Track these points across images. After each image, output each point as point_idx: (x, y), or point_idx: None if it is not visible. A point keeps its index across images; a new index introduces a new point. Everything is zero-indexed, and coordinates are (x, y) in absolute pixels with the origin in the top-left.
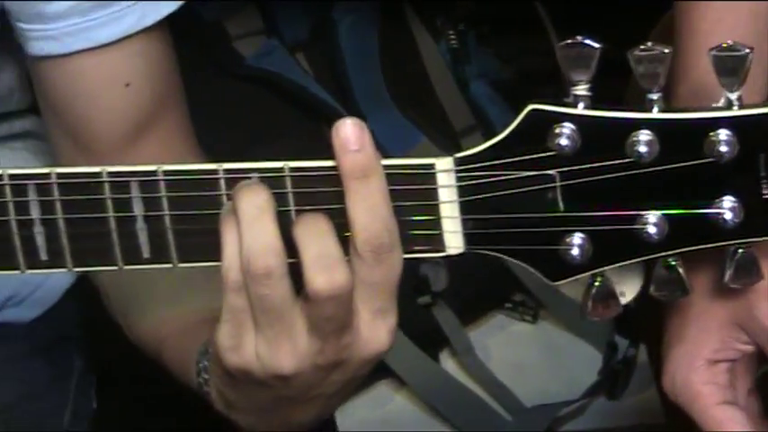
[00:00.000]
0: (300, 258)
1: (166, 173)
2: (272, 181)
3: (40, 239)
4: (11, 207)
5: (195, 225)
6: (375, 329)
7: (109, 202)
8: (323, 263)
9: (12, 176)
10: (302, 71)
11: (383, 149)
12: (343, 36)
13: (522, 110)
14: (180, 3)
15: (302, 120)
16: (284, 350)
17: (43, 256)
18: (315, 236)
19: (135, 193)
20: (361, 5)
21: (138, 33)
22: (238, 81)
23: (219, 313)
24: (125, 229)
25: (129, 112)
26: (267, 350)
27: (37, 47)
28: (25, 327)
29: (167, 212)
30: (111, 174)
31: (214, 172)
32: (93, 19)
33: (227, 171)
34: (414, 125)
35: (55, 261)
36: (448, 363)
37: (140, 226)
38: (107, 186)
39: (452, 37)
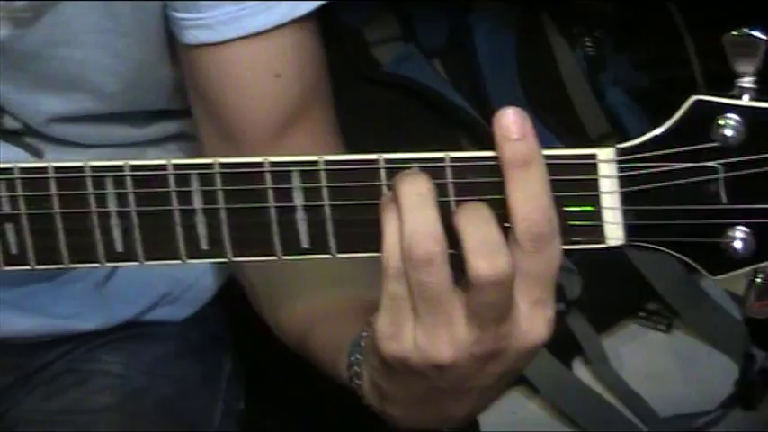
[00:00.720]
0: (462, 245)
1: (327, 162)
2: (433, 171)
3: (201, 229)
4: (174, 196)
5: (354, 215)
6: (533, 320)
7: (270, 192)
8: (486, 248)
9: (175, 166)
10: (439, 77)
11: None
12: (480, 42)
13: (683, 104)
14: None
15: (438, 126)
16: (442, 338)
17: (204, 246)
18: (477, 222)
19: (295, 183)
20: (498, 12)
21: (289, 24)
22: (375, 87)
23: (369, 301)
24: (285, 218)
25: (279, 104)
26: (426, 338)
27: (191, 35)
28: (177, 326)
29: (327, 203)
30: (272, 164)
31: (374, 162)
32: (246, 8)
33: (388, 161)
34: (549, 132)
35: (215, 250)
36: (581, 371)
37: (300, 216)
38: (268, 176)
39: (589, 44)
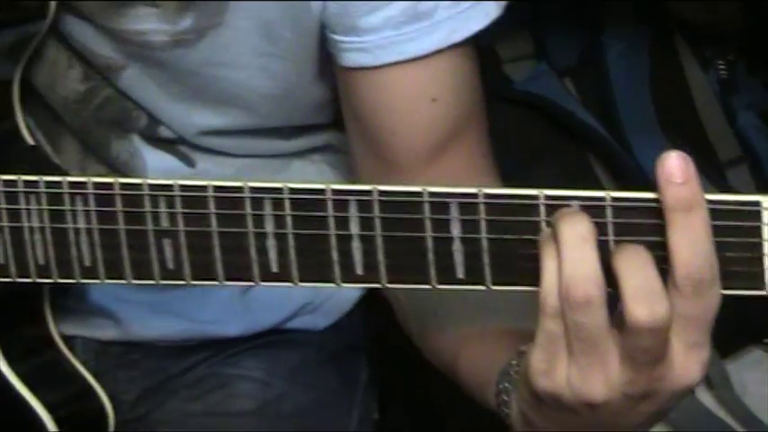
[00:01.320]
0: (621, 289)
1: (487, 195)
2: (593, 209)
3: (357, 254)
4: (331, 221)
5: (511, 249)
6: (688, 363)
7: (427, 222)
8: (644, 294)
9: (334, 191)
10: (570, 96)
11: (649, 177)
12: (613, 63)
13: None
14: (490, 20)
15: (569, 145)
16: (596, 378)
17: (359, 271)
18: (636, 267)
19: (453, 213)
20: (630, 33)
21: (446, 49)
22: (507, 104)
23: (519, 330)
24: (441, 248)
25: (434, 128)
26: (579, 377)
27: (350, 58)
28: (317, 335)
29: (485, 235)
30: (431, 194)
31: (534, 197)
32: (404, 33)
33: (548, 197)
34: None
35: (370, 276)
36: (704, 395)
37: (457, 247)
38: (427, 206)
39: (722, 67)
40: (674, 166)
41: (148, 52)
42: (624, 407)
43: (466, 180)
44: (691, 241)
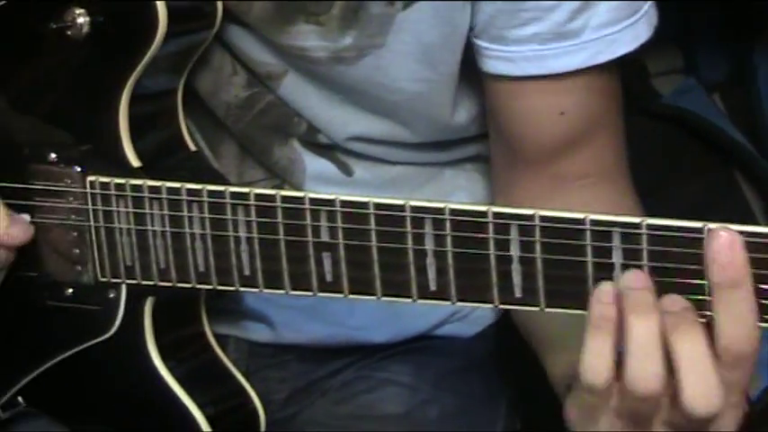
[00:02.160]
0: (677, 378)
1: (650, 226)
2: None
3: (516, 277)
4: (491, 243)
5: (671, 280)
6: (726, 421)
7: (588, 249)
8: (703, 391)
9: (495, 214)
10: (719, 112)
11: None
12: (763, 81)
13: None
14: (638, 44)
15: (714, 162)
16: None
17: (517, 294)
18: (696, 362)
19: (615, 242)
20: None
21: (587, 68)
22: (652, 118)
23: None
24: (601, 275)
25: (560, 135)
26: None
27: (492, 65)
28: (464, 342)
29: (646, 263)
30: (593, 222)
31: (698, 230)
32: (550, 48)
33: (714, 232)
34: None
35: (528, 299)
36: None
37: (617, 274)
38: (588, 234)
39: None
40: (722, 245)
41: (308, 65)
42: None
43: (592, 174)
44: (734, 317)
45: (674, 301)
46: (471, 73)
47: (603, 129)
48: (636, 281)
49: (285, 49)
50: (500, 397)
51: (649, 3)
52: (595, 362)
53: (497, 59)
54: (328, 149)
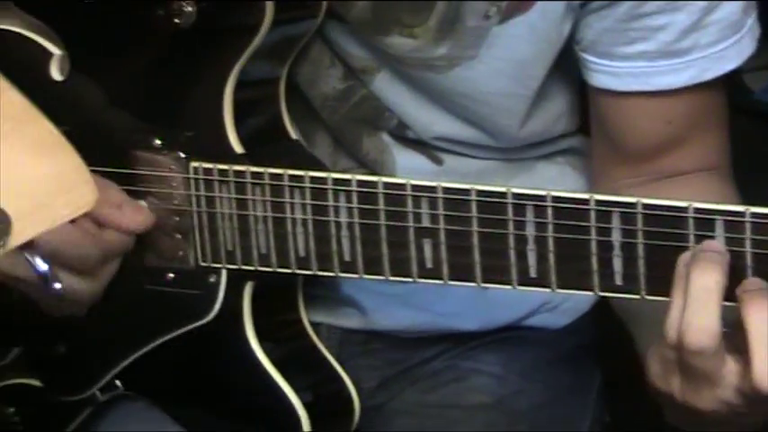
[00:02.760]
0: (750, 349)
1: (754, 215)
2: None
3: (617, 264)
4: (593, 230)
5: None
6: None
7: (691, 237)
8: None
9: (598, 202)
10: None
11: None
12: None
13: None
14: (743, 59)
15: None
16: (705, 395)
17: (618, 281)
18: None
19: (719, 231)
20: None
21: (693, 84)
22: (744, 114)
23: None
24: None
25: (663, 139)
26: (689, 389)
27: (598, 79)
28: (553, 333)
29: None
30: (697, 210)
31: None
32: (656, 66)
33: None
34: None
35: (629, 287)
36: None
37: None
38: (691, 221)
39: None
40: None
41: (401, 66)
42: (729, 416)
43: (696, 169)
44: None
45: (753, 282)
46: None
47: (709, 129)
48: (706, 244)
49: (379, 49)
50: (589, 389)
51: (753, 17)
52: (672, 315)
53: (603, 74)
54: (417, 143)
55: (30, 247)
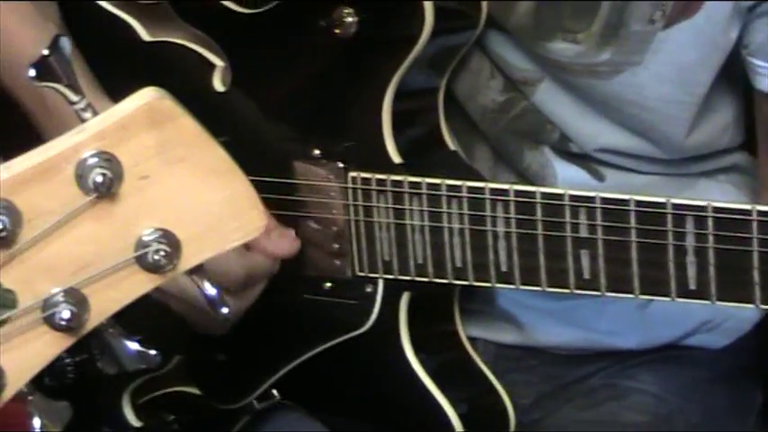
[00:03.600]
0: None
1: None
2: None
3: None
4: (755, 242)
5: None
6: None
7: None
8: None
9: (759, 213)
10: None
11: None
12: None
13: None
14: None
15: None
16: None
17: (692, 286)
18: None
19: None
20: None
21: None
22: None
23: None
24: None
25: None
26: None
27: (766, 84)
28: (712, 353)
29: None
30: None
31: None
32: None
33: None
34: None
35: (702, 292)
36: None
37: None
38: None
39: None
40: None
41: (562, 74)
42: None
43: None
44: None
45: None
46: (721, 87)
47: None
48: None
49: (541, 58)
50: (749, 411)
51: None
52: None
53: None
54: (579, 157)
55: (198, 271)
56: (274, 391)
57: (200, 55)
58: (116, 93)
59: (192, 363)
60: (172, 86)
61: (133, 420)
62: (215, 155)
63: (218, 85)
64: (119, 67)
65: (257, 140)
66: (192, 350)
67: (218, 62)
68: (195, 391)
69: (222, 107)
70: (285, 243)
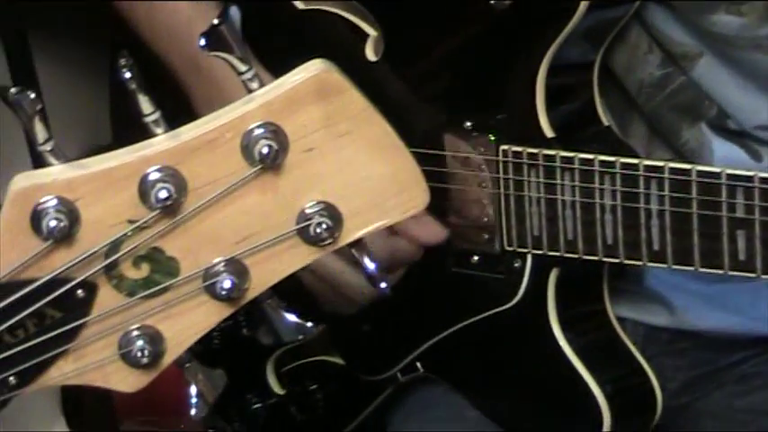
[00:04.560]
0: None
1: None
2: None
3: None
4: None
5: None
6: None
7: None
8: None
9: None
10: None
11: None
12: None
13: None
14: None
15: None
16: None
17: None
18: None
19: None
20: None
21: None
22: None
23: None
24: None
25: None
26: None
27: None
28: None
29: None
30: None
31: None
32: None
33: None
34: None
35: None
36: None
37: None
38: None
39: None
40: None
41: (726, 49)
42: None
43: None
44: None
45: None
46: None
47: None
48: None
49: (703, 31)
50: None
51: None
52: None
53: None
54: (737, 135)
55: (359, 245)
56: (418, 364)
57: (353, 24)
58: (268, 60)
59: (336, 333)
60: (323, 55)
61: (276, 388)
62: (381, 129)
63: (370, 54)
64: (271, 34)
65: (407, 111)
66: (337, 320)
67: (371, 31)
68: (338, 360)
69: (373, 77)
70: (433, 230)
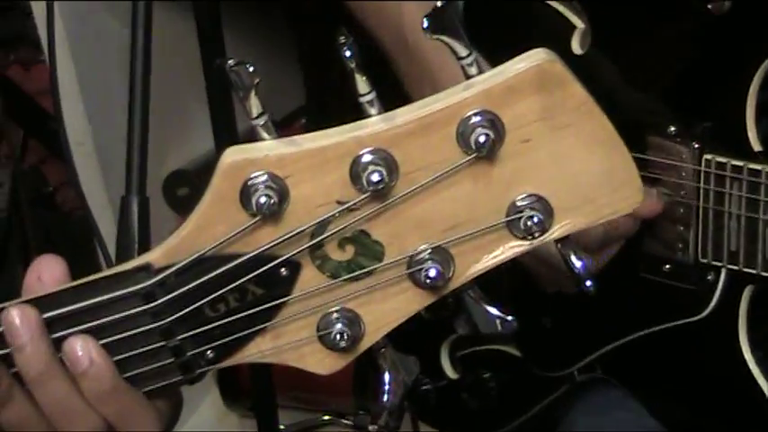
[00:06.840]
0: None
1: None
2: None
3: None
4: None
5: None
6: None
7: None
8: None
9: None
10: None
11: None
12: None
13: None
14: None
15: None
16: None
17: None
18: None
19: None
20: None
21: None
22: None
23: None
24: None
25: None
26: None
27: None
28: None
29: None
30: None
31: None
32: None
33: None
34: None
35: None
36: None
37: None
38: None
39: None
40: None
41: None
42: None
43: None
44: None
45: None
46: None
47: None
48: None
49: None
50: None
51: None
52: None
53: None
54: None
55: (566, 242)
56: (597, 366)
57: (561, 15)
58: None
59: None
60: (529, 45)
61: (450, 372)
62: (601, 125)
63: (576, 47)
64: (479, 22)
65: (611, 109)
66: (521, 312)
67: (579, 24)
68: (515, 351)
69: (577, 71)
70: (649, 202)
